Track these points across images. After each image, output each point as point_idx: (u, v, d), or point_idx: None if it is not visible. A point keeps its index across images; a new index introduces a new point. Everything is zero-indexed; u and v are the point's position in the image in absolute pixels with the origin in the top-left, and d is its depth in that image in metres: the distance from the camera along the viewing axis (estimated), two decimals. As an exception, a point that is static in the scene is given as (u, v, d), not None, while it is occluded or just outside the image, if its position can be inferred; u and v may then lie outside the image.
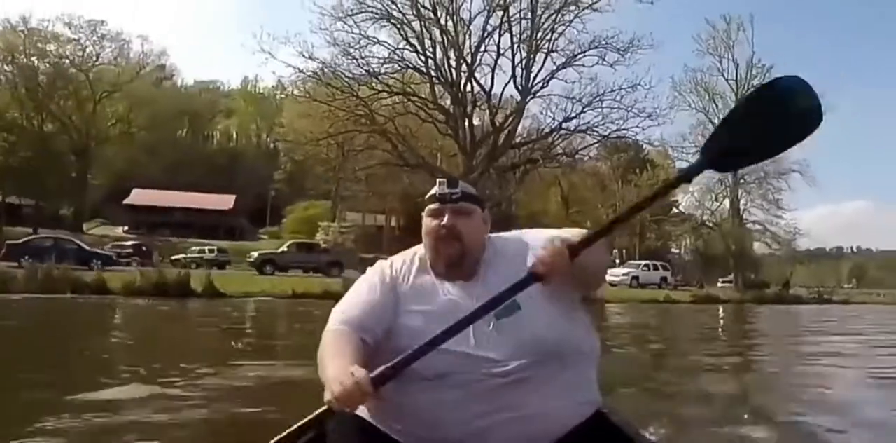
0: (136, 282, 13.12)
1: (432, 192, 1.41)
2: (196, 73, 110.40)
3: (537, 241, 1.34)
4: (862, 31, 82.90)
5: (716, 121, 34.13)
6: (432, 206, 1.39)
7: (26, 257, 16.55)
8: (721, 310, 20.08)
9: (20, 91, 37.06)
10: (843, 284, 71.00)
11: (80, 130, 39.35)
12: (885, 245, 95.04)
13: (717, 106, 34.29)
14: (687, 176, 1.22)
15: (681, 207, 43.40)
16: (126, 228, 41.48)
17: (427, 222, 1.39)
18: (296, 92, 24.04)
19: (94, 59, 41.12)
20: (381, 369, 1.10)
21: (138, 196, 43.79)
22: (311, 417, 1.11)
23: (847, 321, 14.93)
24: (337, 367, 1.14)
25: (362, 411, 1.25)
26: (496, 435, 1.18)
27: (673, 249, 51.91)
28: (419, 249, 1.43)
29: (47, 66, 39.09)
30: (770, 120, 1.14)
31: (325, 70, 21.39)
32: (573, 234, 1.30)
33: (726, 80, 34.43)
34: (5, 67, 38.00)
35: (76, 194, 39.75)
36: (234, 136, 67.37)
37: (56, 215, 39.49)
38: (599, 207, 46.27)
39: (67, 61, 39.78)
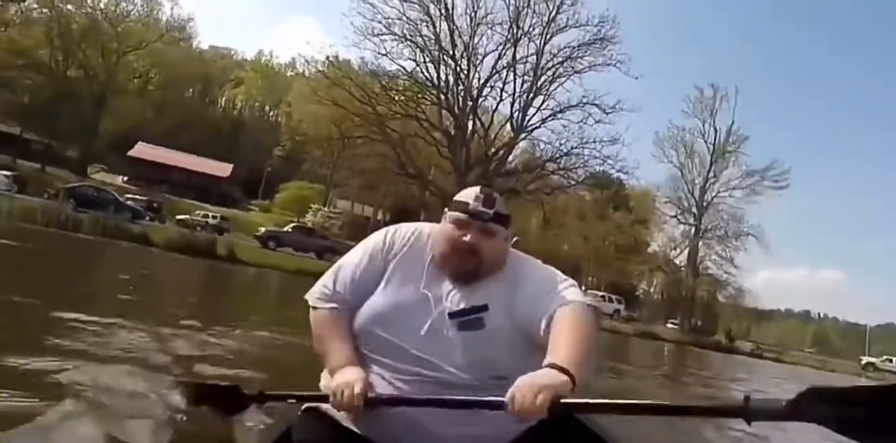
0: (174, 240, 16.60)
1: (464, 199, 1.40)
2: (212, 37, 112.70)
3: (550, 283, 1.39)
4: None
5: (690, 177, 39.13)
6: (459, 215, 1.38)
7: (71, 201, 19.86)
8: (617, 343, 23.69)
9: (53, 35, 39.90)
10: (804, 347, 75.16)
11: (101, 80, 42.22)
12: (850, 316, 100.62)
13: (693, 163, 38.61)
14: (754, 416, 0.97)
15: (650, 249, 47.83)
16: (126, 178, 44.25)
17: (448, 229, 1.40)
18: (321, 94, 27.79)
19: (126, 15, 44.13)
20: (382, 397, 1.28)
21: (142, 150, 46.55)
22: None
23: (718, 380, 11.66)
24: (341, 360, 1.36)
25: (332, 410, 1.36)
26: (443, 433, 1.28)
27: (643, 286, 56.21)
28: (428, 230, 1.49)
29: (82, 15, 41.95)
30: None
31: (354, 82, 25.34)
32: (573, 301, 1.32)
33: (705, 142, 38.77)
34: (44, 10, 40.78)
35: (86, 139, 42.61)
36: (240, 105, 70.10)
37: (63, 156, 42.16)
38: (575, 236, 50.40)
39: (100, 14, 42.74)
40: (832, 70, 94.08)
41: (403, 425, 1.29)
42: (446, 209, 1.45)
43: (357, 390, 1.26)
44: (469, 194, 1.43)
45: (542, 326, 1.31)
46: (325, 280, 1.47)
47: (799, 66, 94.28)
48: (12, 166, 31.79)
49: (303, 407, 1.43)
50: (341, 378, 1.31)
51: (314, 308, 1.44)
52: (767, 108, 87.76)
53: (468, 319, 1.33)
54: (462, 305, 1.35)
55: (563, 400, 1.10)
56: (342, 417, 1.35)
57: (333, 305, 1.42)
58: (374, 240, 1.49)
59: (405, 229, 1.50)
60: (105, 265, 10.28)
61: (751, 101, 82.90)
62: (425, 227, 1.51)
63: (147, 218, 24.39)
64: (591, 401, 1.12)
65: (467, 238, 1.37)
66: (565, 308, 1.31)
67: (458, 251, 1.37)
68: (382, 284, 1.41)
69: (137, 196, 29.08)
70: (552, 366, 1.15)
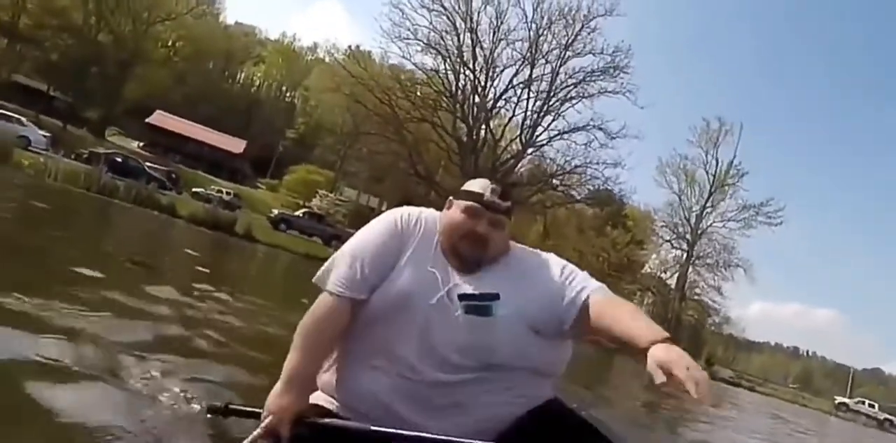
0: (199, 214, 18.42)
1: (478, 190, 1.45)
2: (238, 14, 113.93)
3: (560, 272, 1.46)
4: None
5: (688, 204, 40.83)
6: (473, 205, 1.43)
7: (103, 166, 21.33)
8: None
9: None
10: (788, 382, 76.24)
11: (129, 47, 44.15)
12: (839, 357, 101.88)
13: (692, 191, 40.50)
14: None
15: (643, 270, 49.55)
16: (141, 144, 46.05)
17: (458, 216, 1.45)
18: (342, 88, 29.86)
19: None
20: (321, 421, 1.30)
21: (160, 118, 48.24)
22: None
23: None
24: (300, 370, 1.36)
25: (322, 399, 1.43)
26: (438, 420, 1.32)
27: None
28: (433, 215, 1.53)
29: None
30: None
31: (376, 82, 27.51)
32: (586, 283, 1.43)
33: (706, 172, 40.64)
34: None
35: (107, 102, 44.57)
36: (259, 83, 71.80)
37: (83, 116, 44.05)
38: (572, 249, 52.00)
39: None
40: (842, 110, 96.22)
41: (391, 420, 1.31)
42: (451, 198, 1.50)
43: (287, 418, 1.29)
44: (482, 185, 1.47)
45: (573, 316, 1.39)
46: (345, 265, 1.43)
47: (809, 103, 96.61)
48: (37, 121, 33.61)
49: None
50: (280, 399, 1.32)
51: (332, 294, 1.41)
52: (772, 142, 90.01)
53: (477, 304, 1.36)
54: (471, 290, 1.38)
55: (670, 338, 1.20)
56: (331, 409, 1.40)
57: (359, 295, 1.40)
58: (386, 223, 1.50)
59: (413, 213, 1.53)
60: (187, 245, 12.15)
61: (755, 134, 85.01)
62: (429, 212, 1.56)
63: (168, 189, 25.89)
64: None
65: (480, 228, 1.42)
66: (599, 294, 1.40)
67: (468, 240, 1.42)
68: (398, 267, 1.43)
69: (157, 165, 30.72)
70: (666, 340, 1.18)
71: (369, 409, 1.35)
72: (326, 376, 1.46)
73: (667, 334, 1.22)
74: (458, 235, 1.44)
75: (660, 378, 1.12)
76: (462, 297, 1.38)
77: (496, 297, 1.37)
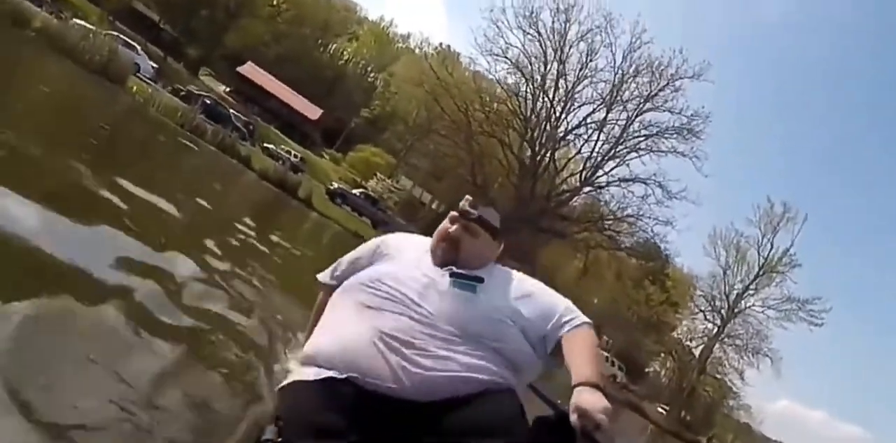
0: (269, 171, 20.03)
1: (460, 203, 1.84)
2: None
3: (553, 297, 1.73)
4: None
5: (732, 281, 40.02)
6: (451, 212, 1.83)
7: (199, 107, 23.02)
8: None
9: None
10: None
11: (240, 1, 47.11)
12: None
13: (738, 268, 40.27)
14: None
15: (672, 333, 49.24)
16: (228, 89, 48.75)
17: (443, 223, 1.83)
18: (427, 88, 31.70)
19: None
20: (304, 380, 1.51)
21: (249, 70, 50.86)
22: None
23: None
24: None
25: (308, 374, 1.52)
26: (411, 375, 1.43)
27: (656, 367, 57.40)
28: (415, 237, 1.98)
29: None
30: None
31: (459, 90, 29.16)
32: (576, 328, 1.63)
33: (758, 254, 40.17)
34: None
35: (208, 45, 47.61)
36: (347, 58, 74.43)
37: (183, 52, 47.06)
38: (606, 292, 51.90)
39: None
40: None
41: (379, 363, 1.45)
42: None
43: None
44: (464, 198, 1.86)
45: (555, 334, 1.63)
46: (332, 265, 1.99)
47: (875, 209, 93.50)
48: (145, 49, 36.25)
49: (276, 388, 1.59)
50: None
51: (322, 285, 1.97)
52: (828, 239, 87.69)
53: (464, 281, 1.62)
54: (462, 272, 1.66)
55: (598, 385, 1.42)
56: (317, 371, 1.49)
57: (334, 282, 1.88)
58: (370, 243, 1.97)
59: (397, 237, 1.97)
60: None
61: (813, 226, 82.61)
62: (408, 235, 1.98)
63: (245, 140, 27.35)
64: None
65: (452, 231, 1.76)
66: (584, 329, 1.65)
67: (443, 241, 1.75)
68: (376, 262, 1.83)
69: (238, 113, 32.61)
70: (597, 387, 1.41)
71: (353, 360, 1.47)
72: (317, 341, 1.63)
73: (595, 380, 1.42)
74: (437, 238, 1.79)
75: (573, 419, 1.34)
76: (454, 274, 1.66)
77: (481, 280, 1.65)
